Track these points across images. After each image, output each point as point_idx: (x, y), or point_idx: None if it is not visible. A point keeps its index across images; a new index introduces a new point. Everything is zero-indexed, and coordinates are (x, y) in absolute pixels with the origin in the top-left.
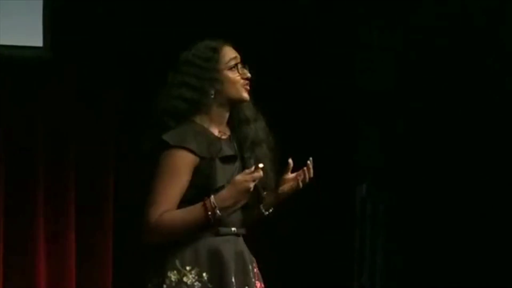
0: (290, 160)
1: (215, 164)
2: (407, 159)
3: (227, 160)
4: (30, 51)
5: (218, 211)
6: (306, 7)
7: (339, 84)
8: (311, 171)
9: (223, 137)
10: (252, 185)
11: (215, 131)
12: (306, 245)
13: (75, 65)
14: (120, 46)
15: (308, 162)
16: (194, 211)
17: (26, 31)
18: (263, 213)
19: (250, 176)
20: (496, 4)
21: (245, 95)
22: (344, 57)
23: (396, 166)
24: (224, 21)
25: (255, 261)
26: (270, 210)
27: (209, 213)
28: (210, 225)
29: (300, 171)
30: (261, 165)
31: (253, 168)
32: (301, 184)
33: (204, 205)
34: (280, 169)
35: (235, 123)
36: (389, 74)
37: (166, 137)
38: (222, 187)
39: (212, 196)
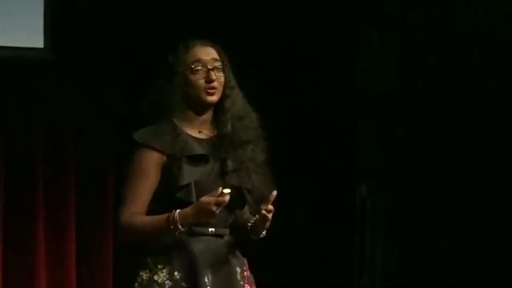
0: (275, 192)
1: (180, 163)
2: (407, 159)
3: (196, 159)
4: (31, 52)
5: (180, 226)
6: (306, 8)
7: (339, 85)
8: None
9: (202, 137)
10: (215, 209)
11: (194, 131)
12: (306, 245)
13: (75, 66)
14: (121, 47)
15: (263, 211)
16: (159, 222)
17: (27, 32)
18: (252, 235)
19: (214, 200)
20: (496, 5)
21: (207, 98)
22: (344, 57)
23: (396, 166)
24: (224, 21)
25: (245, 263)
26: (262, 235)
27: (171, 226)
28: (178, 235)
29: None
30: (226, 190)
31: (219, 191)
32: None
33: (168, 218)
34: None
35: (218, 123)
36: (389, 74)
37: (135, 135)
38: (187, 186)
39: (178, 211)
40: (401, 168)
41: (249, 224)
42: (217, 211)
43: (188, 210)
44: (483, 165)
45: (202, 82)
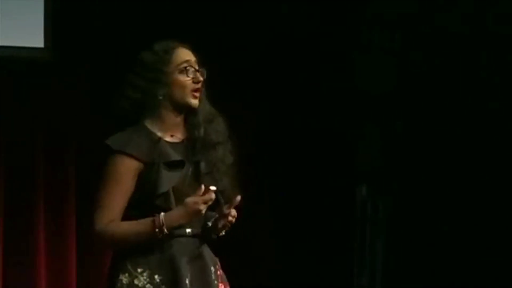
0: (239, 197)
1: (159, 169)
2: (407, 160)
3: (173, 165)
4: (31, 51)
5: (165, 229)
6: (306, 9)
7: (340, 86)
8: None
9: (175, 141)
10: (203, 207)
11: (166, 135)
12: (306, 246)
13: (76, 66)
14: (121, 47)
15: (225, 209)
16: (142, 226)
17: (27, 31)
18: (212, 233)
19: (201, 199)
20: (497, 6)
21: (192, 101)
22: (345, 58)
23: (396, 167)
24: (223, 22)
25: (218, 262)
26: (222, 234)
27: (157, 230)
28: (159, 239)
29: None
30: (212, 188)
31: (202, 190)
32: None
33: (153, 221)
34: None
35: (189, 126)
36: (390, 75)
37: (109, 141)
38: (166, 193)
39: (162, 214)
40: (401, 169)
41: (208, 224)
42: (204, 210)
43: (174, 212)
44: (483, 166)
45: (190, 82)
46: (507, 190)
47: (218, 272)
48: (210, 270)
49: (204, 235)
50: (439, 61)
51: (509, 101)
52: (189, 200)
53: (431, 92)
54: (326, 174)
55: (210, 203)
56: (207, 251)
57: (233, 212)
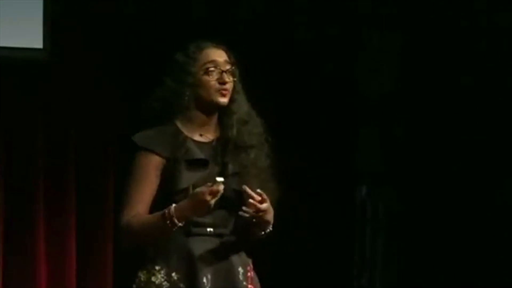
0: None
1: (179, 166)
2: (407, 160)
3: (196, 163)
4: (30, 53)
5: (176, 221)
6: (306, 10)
7: (340, 86)
8: (256, 206)
9: (203, 140)
10: (209, 198)
11: (195, 135)
12: (306, 246)
13: (75, 67)
14: (120, 48)
15: (250, 200)
16: (156, 219)
17: (26, 32)
18: (258, 233)
19: (208, 190)
20: (498, 6)
21: (220, 99)
22: (345, 59)
23: (396, 167)
24: (221, 21)
25: (250, 264)
26: (268, 231)
27: (168, 221)
28: (175, 231)
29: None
30: (220, 179)
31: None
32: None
33: (163, 214)
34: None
35: (222, 126)
36: (390, 76)
37: (135, 138)
38: (185, 190)
39: (173, 206)
40: (402, 169)
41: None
42: (212, 202)
43: (183, 203)
44: (483, 167)
45: (214, 83)
46: (507, 190)
47: (249, 274)
48: (238, 271)
49: (246, 235)
50: (439, 61)
51: (509, 103)
52: (196, 190)
53: (431, 93)
54: (326, 174)
55: (217, 196)
56: (234, 251)
57: (264, 205)
